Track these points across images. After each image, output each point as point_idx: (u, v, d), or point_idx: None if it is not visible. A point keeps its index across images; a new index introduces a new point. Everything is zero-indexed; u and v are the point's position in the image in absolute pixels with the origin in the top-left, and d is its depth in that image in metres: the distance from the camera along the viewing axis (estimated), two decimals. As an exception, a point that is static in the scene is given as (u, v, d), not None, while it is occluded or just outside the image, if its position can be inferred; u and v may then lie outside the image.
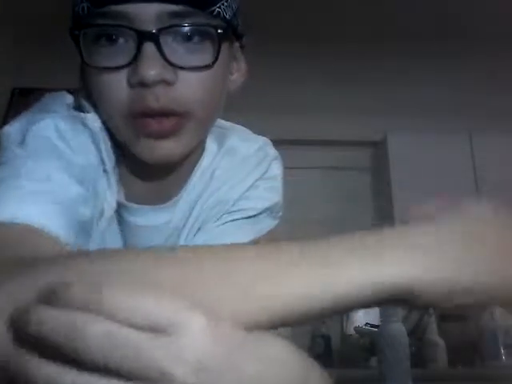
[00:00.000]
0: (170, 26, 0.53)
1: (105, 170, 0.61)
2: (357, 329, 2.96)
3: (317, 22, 3.32)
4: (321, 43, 3.41)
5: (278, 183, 0.78)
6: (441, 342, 2.77)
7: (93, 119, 0.60)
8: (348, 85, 3.47)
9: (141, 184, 0.65)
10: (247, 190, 0.73)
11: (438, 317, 2.91)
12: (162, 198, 0.66)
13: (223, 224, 0.70)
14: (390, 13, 3.27)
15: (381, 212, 3.30)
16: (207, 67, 0.55)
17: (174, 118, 0.55)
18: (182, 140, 0.57)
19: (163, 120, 0.55)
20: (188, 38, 0.54)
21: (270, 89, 3.34)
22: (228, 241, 0.65)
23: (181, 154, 0.59)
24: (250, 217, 0.72)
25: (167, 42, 0.53)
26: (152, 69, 0.52)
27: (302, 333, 2.86)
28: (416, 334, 2.78)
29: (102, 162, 0.60)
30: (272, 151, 0.79)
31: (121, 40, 0.54)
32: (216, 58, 0.55)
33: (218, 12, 0.55)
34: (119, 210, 0.64)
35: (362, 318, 3.00)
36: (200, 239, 0.69)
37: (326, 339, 2.90)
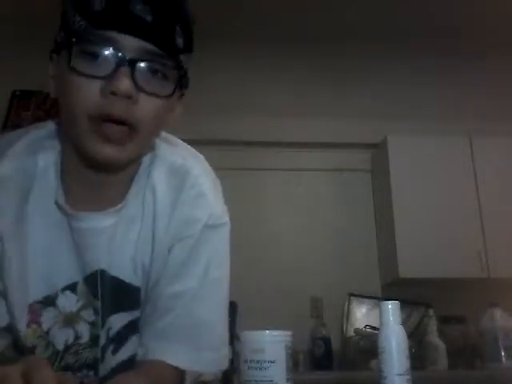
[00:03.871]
0: (146, 60, 0.69)
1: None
2: (357, 331, 2.96)
3: (317, 23, 3.32)
4: (321, 45, 3.42)
5: (207, 197, 0.83)
6: (441, 344, 2.76)
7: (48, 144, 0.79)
8: (348, 87, 3.47)
9: (84, 191, 0.79)
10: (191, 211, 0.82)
11: (438, 319, 2.91)
12: (105, 204, 0.79)
13: (177, 255, 0.81)
14: (390, 14, 3.27)
15: (381, 213, 3.29)
16: (164, 97, 0.72)
17: (125, 127, 0.70)
18: (127, 148, 0.72)
19: (116, 127, 0.69)
20: (155, 71, 0.70)
21: (270, 91, 3.34)
22: (194, 270, 0.80)
23: (124, 158, 0.73)
24: (192, 243, 0.81)
25: (139, 69, 0.69)
26: (125, 84, 0.67)
27: (302, 335, 2.86)
28: (416, 336, 2.77)
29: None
30: (195, 168, 0.85)
31: (102, 56, 0.68)
32: (173, 92, 0.72)
33: (181, 60, 0.73)
34: (68, 219, 0.78)
35: (362, 320, 3.01)
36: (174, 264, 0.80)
37: (327, 341, 2.90)
